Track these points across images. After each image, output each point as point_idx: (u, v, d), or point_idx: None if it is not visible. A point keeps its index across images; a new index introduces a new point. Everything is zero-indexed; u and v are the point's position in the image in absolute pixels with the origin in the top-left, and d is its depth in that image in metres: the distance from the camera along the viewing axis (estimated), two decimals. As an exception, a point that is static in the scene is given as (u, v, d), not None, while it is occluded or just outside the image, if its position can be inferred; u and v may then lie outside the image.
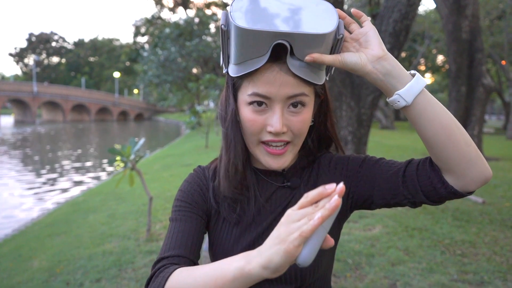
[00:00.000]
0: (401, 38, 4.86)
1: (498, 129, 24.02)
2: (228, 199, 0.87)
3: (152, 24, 39.19)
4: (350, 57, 0.74)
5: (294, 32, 0.69)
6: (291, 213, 0.59)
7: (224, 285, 0.64)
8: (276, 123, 0.76)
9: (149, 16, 41.88)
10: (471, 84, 9.68)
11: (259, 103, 0.77)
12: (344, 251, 3.56)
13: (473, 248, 3.66)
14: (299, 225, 0.57)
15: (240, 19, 0.70)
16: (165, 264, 0.76)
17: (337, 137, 0.92)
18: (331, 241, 0.62)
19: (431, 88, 38.35)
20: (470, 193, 0.75)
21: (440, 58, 27.87)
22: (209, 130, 13.92)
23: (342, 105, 4.97)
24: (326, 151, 0.93)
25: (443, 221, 4.47)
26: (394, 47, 4.85)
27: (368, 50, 0.74)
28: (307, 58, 0.72)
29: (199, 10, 28.76)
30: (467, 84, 9.70)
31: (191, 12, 34.65)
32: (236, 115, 0.82)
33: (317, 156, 0.91)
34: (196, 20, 24.20)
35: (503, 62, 19.30)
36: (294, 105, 0.77)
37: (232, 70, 0.78)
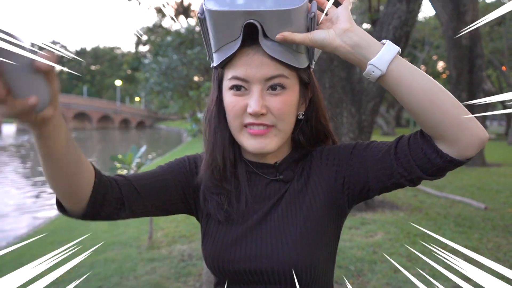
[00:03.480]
0: (401, 44, 4.89)
1: (499, 135, 23.99)
2: (215, 196, 0.86)
3: (154, 32, 39.41)
4: (318, 34, 0.73)
5: (261, 10, 0.71)
6: None
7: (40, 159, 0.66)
8: (254, 104, 0.76)
9: (150, 25, 42.16)
10: (471, 90, 9.70)
11: (239, 87, 0.78)
12: (346, 258, 3.54)
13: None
14: None
15: (212, 3, 0.73)
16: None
17: (331, 130, 0.91)
18: (41, 65, 0.49)
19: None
20: (468, 159, 0.71)
21: (441, 64, 27.90)
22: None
23: (343, 111, 4.99)
24: (320, 146, 0.91)
25: (445, 227, 4.45)
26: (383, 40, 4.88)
27: (336, 24, 0.73)
28: (278, 36, 0.73)
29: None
30: (468, 90, 9.71)
31: (192, 21, 34.87)
32: (220, 104, 0.84)
33: (310, 150, 0.89)
34: (197, 28, 24.33)
35: (504, 68, 19.33)
36: (273, 87, 0.77)
37: (214, 60, 0.81)
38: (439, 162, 0.71)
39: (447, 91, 0.70)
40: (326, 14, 0.77)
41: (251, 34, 0.74)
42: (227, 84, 0.80)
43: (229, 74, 0.79)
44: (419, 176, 0.73)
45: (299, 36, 0.73)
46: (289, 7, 0.71)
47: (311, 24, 0.75)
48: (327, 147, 0.89)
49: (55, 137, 0.62)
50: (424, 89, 0.69)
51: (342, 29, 0.72)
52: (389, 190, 0.79)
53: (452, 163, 0.71)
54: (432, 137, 0.72)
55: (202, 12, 0.76)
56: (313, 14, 0.74)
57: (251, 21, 0.72)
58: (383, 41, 0.73)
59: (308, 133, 0.89)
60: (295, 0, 0.72)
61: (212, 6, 0.73)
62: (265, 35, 0.74)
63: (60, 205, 0.77)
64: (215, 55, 0.81)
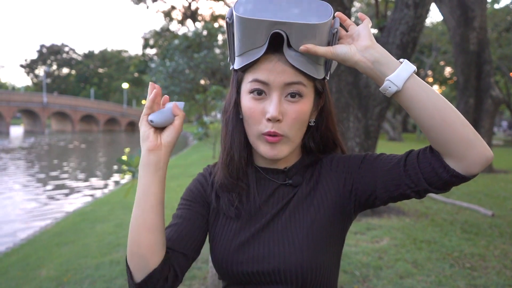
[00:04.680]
0: (409, 50, 4.88)
1: (507, 141, 23.81)
2: (227, 193, 0.90)
3: (161, 36, 39.65)
4: (340, 48, 0.78)
5: (290, 22, 0.75)
6: None
7: (139, 189, 0.80)
8: (272, 109, 0.79)
9: (158, 28, 42.40)
10: (479, 96, 9.65)
11: (259, 92, 0.81)
12: (351, 263, 3.53)
13: (482, 261, 3.62)
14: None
15: (242, 10, 0.76)
16: None
17: (339, 138, 0.95)
18: (176, 112, 0.81)
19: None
20: (474, 175, 0.75)
21: (448, 70, 27.80)
22: (216, 141, 13.94)
23: (349, 116, 4.98)
24: (329, 154, 0.95)
25: (452, 234, 4.42)
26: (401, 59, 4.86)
27: (358, 41, 0.78)
28: (302, 48, 0.77)
29: (207, 22, 29.09)
30: (475, 96, 9.66)
31: (199, 25, 35.04)
32: (238, 106, 0.88)
33: (320, 158, 0.93)
34: (204, 32, 24.44)
35: (512, 74, 19.22)
36: (292, 95, 0.81)
37: (236, 63, 0.84)
38: (446, 176, 0.75)
39: (458, 111, 0.74)
40: (347, 31, 0.82)
41: (275, 42, 0.78)
42: (247, 87, 0.83)
43: (250, 77, 0.82)
44: (426, 188, 0.78)
45: (321, 49, 0.78)
46: (317, 22, 0.76)
47: (333, 38, 0.80)
48: (337, 156, 0.92)
49: (160, 181, 0.80)
50: (437, 107, 0.74)
51: (363, 45, 0.77)
52: (395, 200, 0.83)
53: (458, 178, 0.75)
54: (441, 153, 0.76)
55: (230, 16, 0.80)
56: (336, 30, 0.79)
57: (278, 31, 0.76)
58: (401, 60, 0.78)
59: (318, 140, 0.92)
60: (322, 16, 0.77)
61: (242, 13, 0.76)
62: (289, 45, 0.78)
63: (130, 274, 0.81)
64: (237, 59, 0.84)
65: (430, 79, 31.36)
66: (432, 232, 4.48)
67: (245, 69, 0.83)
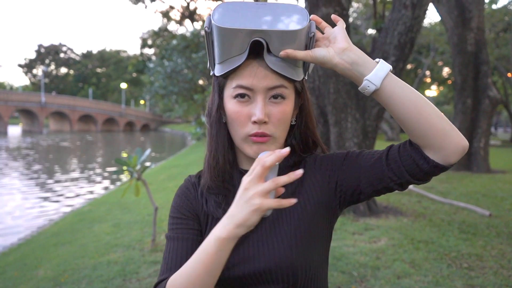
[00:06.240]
0: (406, 50, 4.89)
1: (505, 142, 23.87)
2: (214, 195, 0.90)
3: (159, 36, 39.60)
4: (319, 52, 0.80)
5: (269, 30, 0.77)
6: (245, 179, 0.72)
7: (209, 259, 0.74)
8: (258, 112, 0.81)
9: (156, 28, 42.33)
10: (476, 96, 9.67)
11: (243, 95, 0.83)
12: (349, 264, 3.53)
13: (480, 262, 3.63)
14: (258, 186, 0.71)
15: (221, 20, 0.77)
16: (164, 285, 0.81)
17: (318, 137, 0.96)
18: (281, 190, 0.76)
19: (437, 101, 38.25)
20: (451, 165, 0.79)
21: (446, 70, 27.84)
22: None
23: (347, 116, 4.99)
24: (311, 153, 0.97)
25: (449, 234, 4.43)
26: (399, 59, 4.87)
27: (335, 44, 0.81)
28: (282, 53, 0.79)
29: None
30: (473, 96, 9.69)
31: (198, 25, 35.03)
32: (221, 111, 0.88)
33: (303, 157, 0.95)
34: (202, 32, 24.42)
35: (509, 75, 19.27)
36: (275, 96, 0.83)
37: (217, 70, 0.85)
38: (426, 167, 0.79)
39: (433, 104, 0.78)
40: (323, 33, 0.84)
41: (256, 48, 0.80)
42: (230, 92, 0.84)
43: (233, 83, 0.83)
44: (408, 180, 0.81)
45: (301, 54, 0.80)
46: (295, 28, 0.77)
47: (310, 42, 0.82)
48: (320, 155, 0.95)
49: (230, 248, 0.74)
50: (413, 102, 0.77)
51: (341, 48, 0.80)
52: (379, 194, 0.86)
53: (438, 168, 0.79)
54: (420, 146, 0.80)
55: (209, 25, 0.80)
56: (313, 34, 0.81)
57: (258, 39, 0.78)
58: (377, 59, 0.80)
59: (298, 138, 0.94)
60: (299, 21, 0.78)
61: (221, 22, 0.76)
62: (268, 51, 0.80)
63: None
64: (218, 66, 0.84)
65: (428, 80, 31.42)
66: (429, 232, 4.49)
67: (226, 75, 0.84)
